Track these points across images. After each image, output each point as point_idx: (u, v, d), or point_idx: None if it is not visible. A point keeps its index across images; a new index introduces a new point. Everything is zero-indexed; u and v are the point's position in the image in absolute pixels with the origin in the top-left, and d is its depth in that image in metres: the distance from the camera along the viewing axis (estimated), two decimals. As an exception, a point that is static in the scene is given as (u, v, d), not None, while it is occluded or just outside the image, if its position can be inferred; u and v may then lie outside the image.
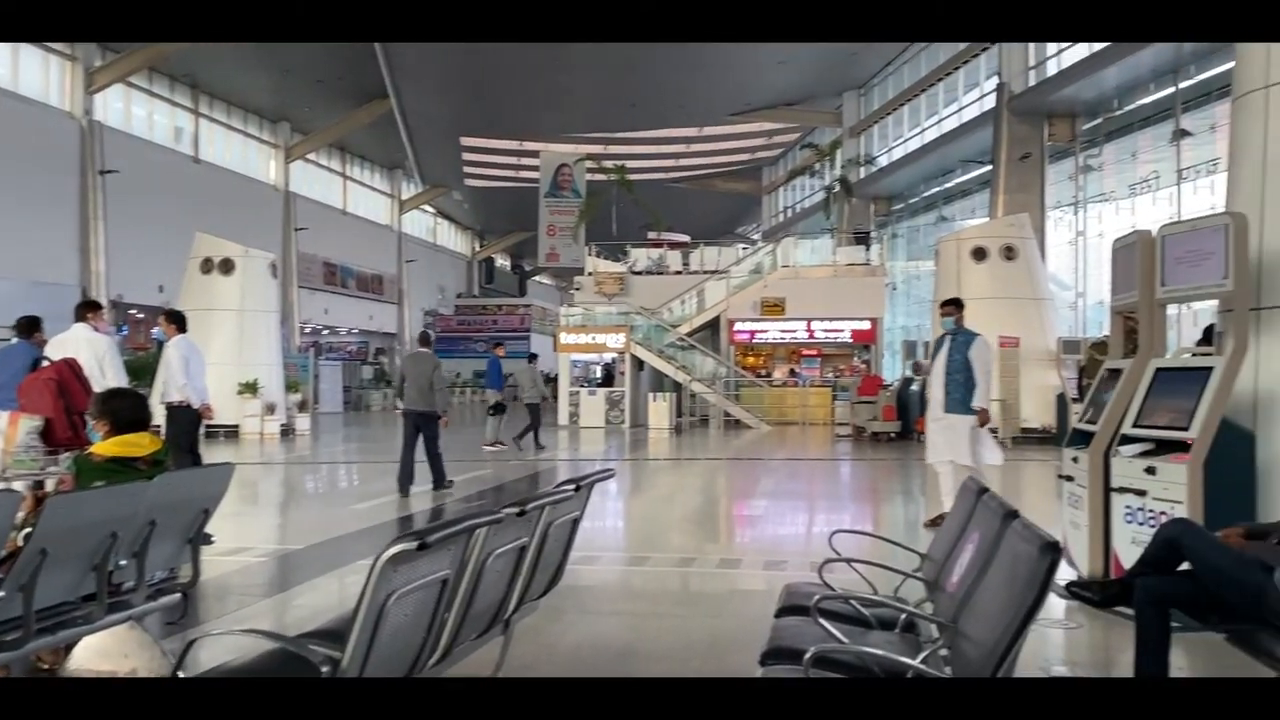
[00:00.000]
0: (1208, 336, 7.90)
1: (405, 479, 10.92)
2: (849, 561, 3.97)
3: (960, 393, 8.33)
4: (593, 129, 39.51)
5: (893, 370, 27.02)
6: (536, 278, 66.59)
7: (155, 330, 8.64)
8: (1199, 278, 5.62)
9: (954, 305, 8.70)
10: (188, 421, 8.60)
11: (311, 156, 41.21)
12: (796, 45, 30.79)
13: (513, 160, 44.25)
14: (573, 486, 3.89)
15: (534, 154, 40.25)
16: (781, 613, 3.64)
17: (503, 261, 65.62)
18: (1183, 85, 21.52)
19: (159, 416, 8.55)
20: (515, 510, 3.33)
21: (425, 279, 51.46)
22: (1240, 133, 6.28)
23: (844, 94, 38.23)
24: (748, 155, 47.02)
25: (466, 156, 43.65)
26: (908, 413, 19.01)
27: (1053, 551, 2.41)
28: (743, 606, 5.98)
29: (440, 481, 11.13)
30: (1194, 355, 6.41)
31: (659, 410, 23.02)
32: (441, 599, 3.01)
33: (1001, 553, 2.86)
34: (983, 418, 8.35)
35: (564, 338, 25.45)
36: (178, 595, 4.18)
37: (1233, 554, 3.73)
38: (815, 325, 26.94)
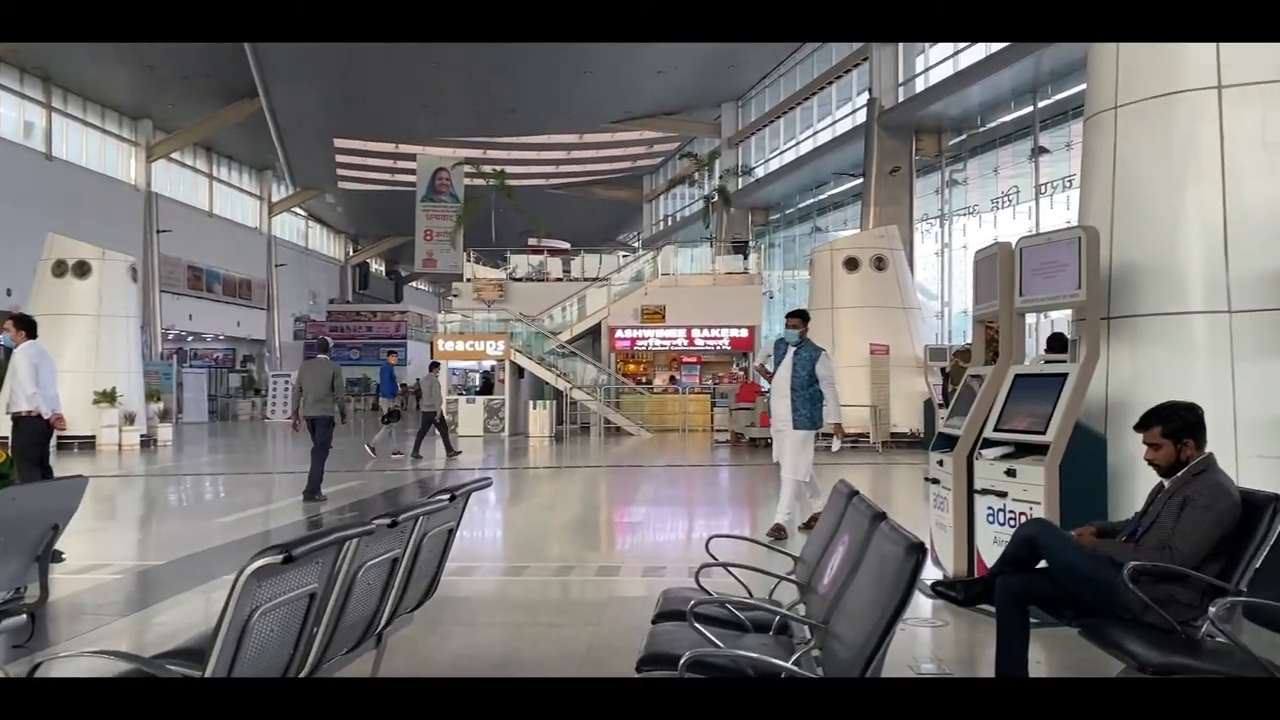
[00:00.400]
0: (1053, 344, 8.33)
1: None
2: (725, 566, 4.02)
3: (807, 408, 8.35)
4: (471, 133, 39.09)
5: (769, 377, 27.59)
6: (413, 283, 65.41)
7: (2, 336, 8.07)
8: (1054, 288, 5.90)
9: (800, 318, 8.59)
10: (37, 432, 8.10)
11: (175, 156, 39.47)
12: (677, 55, 31.18)
13: (388, 163, 43.40)
14: (447, 496, 3.82)
15: (410, 157, 39.57)
16: (658, 619, 3.65)
17: (378, 267, 64.23)
18: (1041, 105, 22.66)
19: (5, 427, 8.08)
20: (387, 521, 3.24)
21: (296, 284, 49.92)
22: (1092, 150, 6.63)
23: (722, 105, 38.88)
24: (628, 163, 47.30)
25: (340, 158, 42.59)
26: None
27: (917, 552, 2.48)
28: (621, 613, 5.98)
29: (314, 492, 11.00)
30: (1049, 362, 6.73)
31: (539, 418, 22.91)
32: (310, 613, 2.91)
33: (870, 554, 2.93)
34: (839, 431, 8.57)
35: (442, 345, 25.07)
36: (23, 616, 3.94)
37: (1085, 552, 3.93)
38: (695, 333, 27.26)
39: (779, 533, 8.21)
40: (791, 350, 8.42)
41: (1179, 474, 3.95)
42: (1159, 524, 3.88)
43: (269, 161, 44.05)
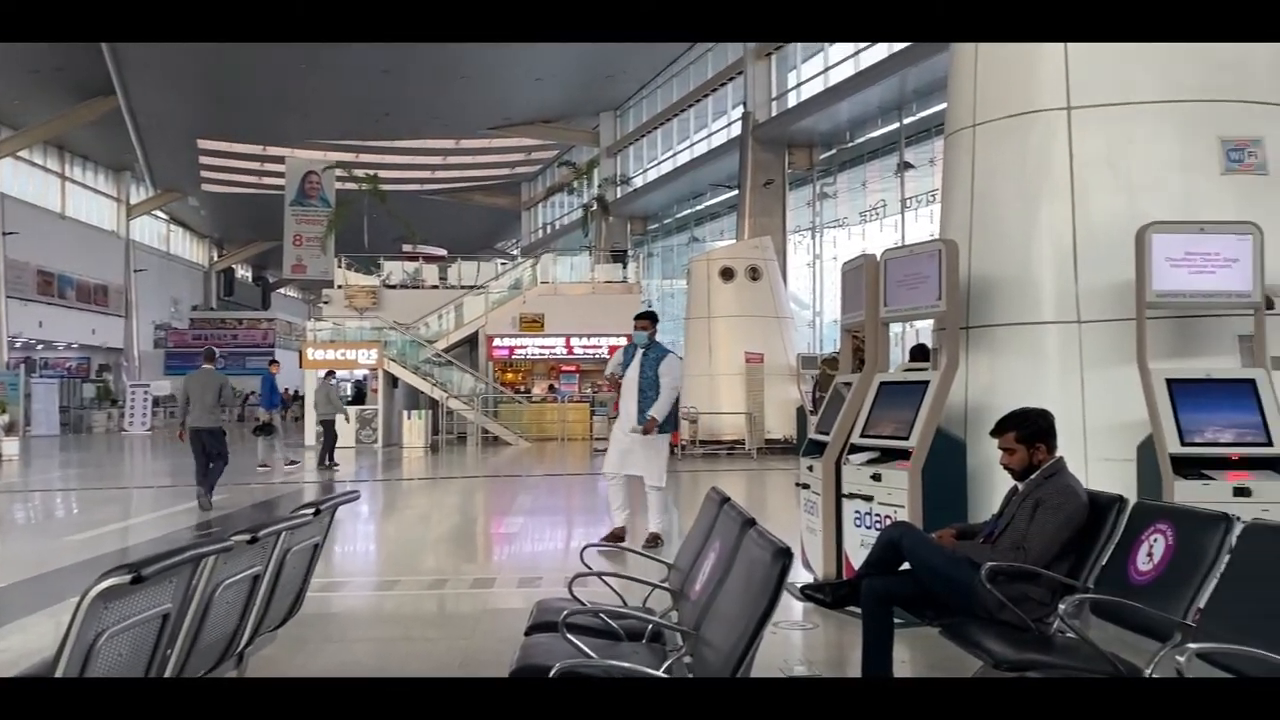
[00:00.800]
0: (916, 354, 8.64)
1: (204, 485, 11.09)
2: (599, 575, 4.01)
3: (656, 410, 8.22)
4: (343, 136, 38.19)
5: (648, 385, 27.80)
6: (282, 290, 63.40)
7: None
8: (917, 299, 6.12)
9: (648, 320, 8.48)
10: None
11: (24, 154, 37.28)
12: (555, 63, 31.18)
13: (255, 165, 41.99)
14: (312, 510, 3.70)
15: (279, 159, 38.31)
16: (531, 630, 3.61)
17: (244, 273, 62.04)
18: (906, 121, 23.55)
19: None
20: (247, 537, 3.12)
21: (157, 290, 47.74)
22: (952, 167, 6.90)
23: (601, 114, 39.04)
24: (507, 170, 47.00)
25: (204, 160, 41.00)
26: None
27: (784, 557, 2.52)
28: (495, 626, 5.90)
29: (209, 491, 11.06)
30: (912, 370, 6.97)
31: (414, 428, 22.46)
32: (163, 635, 2.77)
33: (739, 560, 2.97)
34: (649, 426, 8.13)
35: (311, 353, 24.31)
36: None
37: (945, 553, 4.07)
38: (574, 341, 27.22)
39: (654, 541, 8.18)
40: (640, 352, 8.33)
41: (1032, 477, 4.14)
42: (1013, 525, 4.05)
43: (127, 162, 42.05)
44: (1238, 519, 3.42)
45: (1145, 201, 5.75)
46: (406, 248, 32.09)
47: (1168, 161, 5.94)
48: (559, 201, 44.48)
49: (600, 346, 27.43)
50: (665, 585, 3.98)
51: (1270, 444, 5.07)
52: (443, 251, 31.94)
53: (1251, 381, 5.26)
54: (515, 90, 34.23)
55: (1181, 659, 2.68)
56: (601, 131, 39.46)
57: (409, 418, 22.73)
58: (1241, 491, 4.95)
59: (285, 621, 4.05)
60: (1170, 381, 5.28)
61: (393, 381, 24.43)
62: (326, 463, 17.09)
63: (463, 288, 27.90)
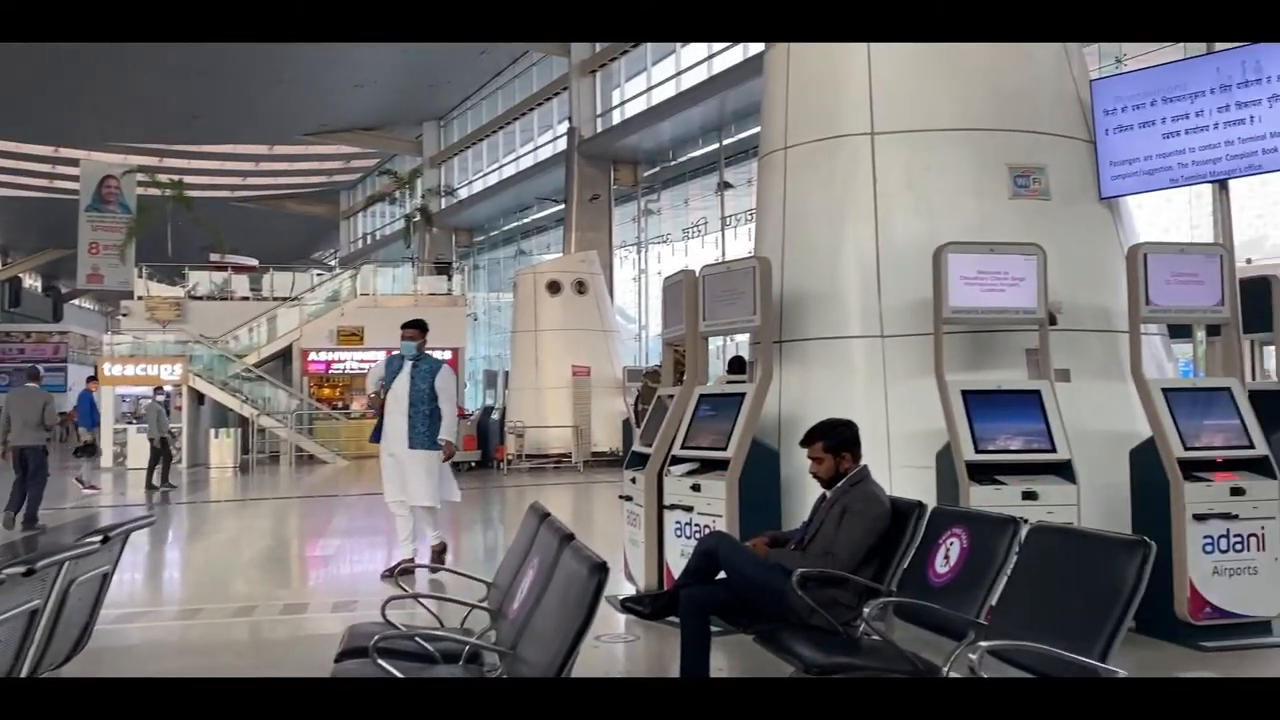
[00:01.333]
0: (733, 366, 8.89)
1: (13, 506, 10.88)
2: (415, 597, 3.90)
3: (425, 425, 7.65)
4: (147, 139, 36.01)
5: (475, 400, 27.38)
6: (75, 301, 59.06)
7: None
8: (733, 314, 6.29)
9: (417, 328, 7.86)
10: None
11: None
12: (376, 69, 30.45)
13: (46, 168, 39.04)
14: (99, 538, 3.44)
15: (74, 162, 35.75)
16: (342, 656, 3.47)
17: (33, 282, 57.44)
18: (726, 142, 24.26)
19: None
20: (21, 570, 2.86)
21: (-70, 300, 43.64)
22: (765, 187, 7.14)
23: (424, 123, 38.36)
24: (324, 178, 45.48)
25: (-13, 160, 37.82)
26: (488, 441, 19.31)
27: (600, 572, 2.52)
28: (308, 653, 5.64)
29: (32, 520, 10.72)
30: (730, 383, 7.15)
31: (222, 447, 21.29)
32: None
33: (558, 576, 2.94)
34: (448, 450, 7.81)
35: (109, 369, 22.72)
36: None
37: (758, 561, 4.18)
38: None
39: (442, 550, 7.86)
40: (409, 364, 7.75)
41: (839, 484, 4.31)
42: (822, 532, 4.20)
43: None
44: (1025, 521, 3.66)
45: (942, 223, 6.11)
46: (215, 257, 30.51)
47: (962, 186, 6.34)
48: (380, 211, 43.34)
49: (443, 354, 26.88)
50: (484, 605, 3.91)
51: (1054, 450, 5.47)
52: (254, 261, 30.56)
53: (1037, 392, 5.67)
54: (335, 96, 33.20)
55: (974, 656, 2.83)
56: (425, 141, 38.77)
57: (216, 436, 21.55)
58: (1029, 495, 5.32)
59: (71, 657, 3.76)
60: (965, 393, 5.62)
61: (198, 399, 23.12)
62: (159, 484, 16.01)
63: (276, 299, 26.72)
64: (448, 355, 26.61)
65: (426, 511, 7.87)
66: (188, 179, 34.21)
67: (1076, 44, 7.07)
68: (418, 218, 33.82)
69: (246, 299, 26.94)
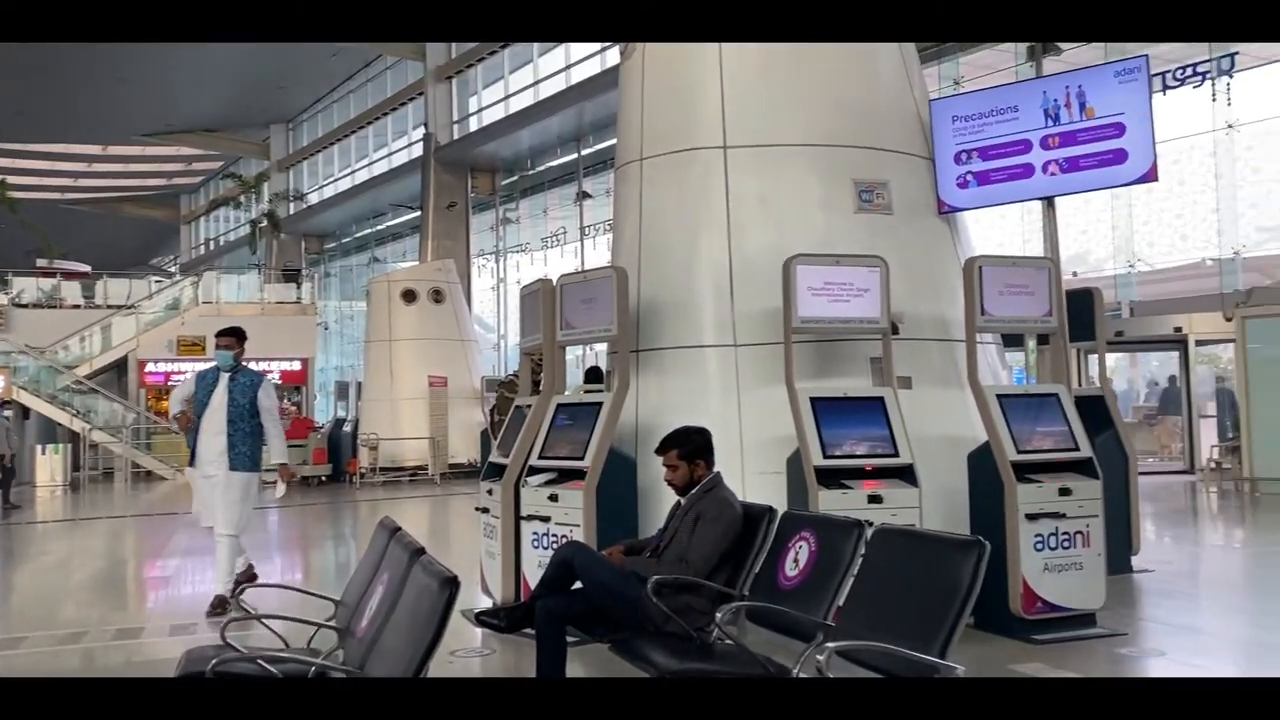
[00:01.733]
0: (591, 376, 8.92)
1: None
2: (258, 618, 3.74)
3: (248, 445, 6.91)
4: (-36, 135, 33.58)
5: (325, 412, 26.58)
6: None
7: None
8: (591, 323, 6.30)
9: (234, 336, 7.07)
10: None
11: None
12: (222, 69, 29.23)
13: None
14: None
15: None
16: (177, 683, 3.28)
17: None
18: (585, 152, 24.33)
19: None
20: None
21: None
22: (622, 197, 7.19)
23: (272, 126, 37.06)
24: (164, 180, 43.35)
25: None
26: (340, 454, 18.75)
27: (451, 586, 2.47)
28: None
29: None
30: (588, 392, 7.16)
31: (50, 464, 19.97)
32: None
33: (408, 591, 2.87)
34: (285, 474, 7.32)
35: (-80, 381, 21.01)
36: None
37: (614, 569, 4.19)
38: (241, 365, 25.47)
39: (221, 606, 6.77)
40: (226, 377, 6.96)
41: (693, 491, 4.36)
42: (677, 539, 4.24)
43: None
44: (870, 524, 3.78)
45: (791, 235, 6.29)
46: (42, 262, 28.65)
47: (810, 200, 6.54)
48: (225, 216, 41.61)
49: (271, 371, 25.91)
50: (331, 624, 3.78)
51: (897, 455, 5.68)
52: (86, 267, 28.84)
53: (881, 399, 5.88)
54: (176, 95, 31.72)
55: (822, 658, 2.90)
56: (272, 144, 37.46)
57: (43, 453, 20.19)
58: (875, 499, 5.51)
59: None
60: (814, 400, 5.78)
61: (23, 413, 21.61)
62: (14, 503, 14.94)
63: (111, 307, 25.27)
64: (297, 366, 25.90)
65: (227, 544, 6.95)
66: (10, 179, 31.97)
67: (918, 65, 7.40)
68: (264, 223, 32.60)
69: (78, 307, 25.38)
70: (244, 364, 7.17)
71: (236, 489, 6.90)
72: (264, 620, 3.77)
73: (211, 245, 44.21)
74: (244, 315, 25.46)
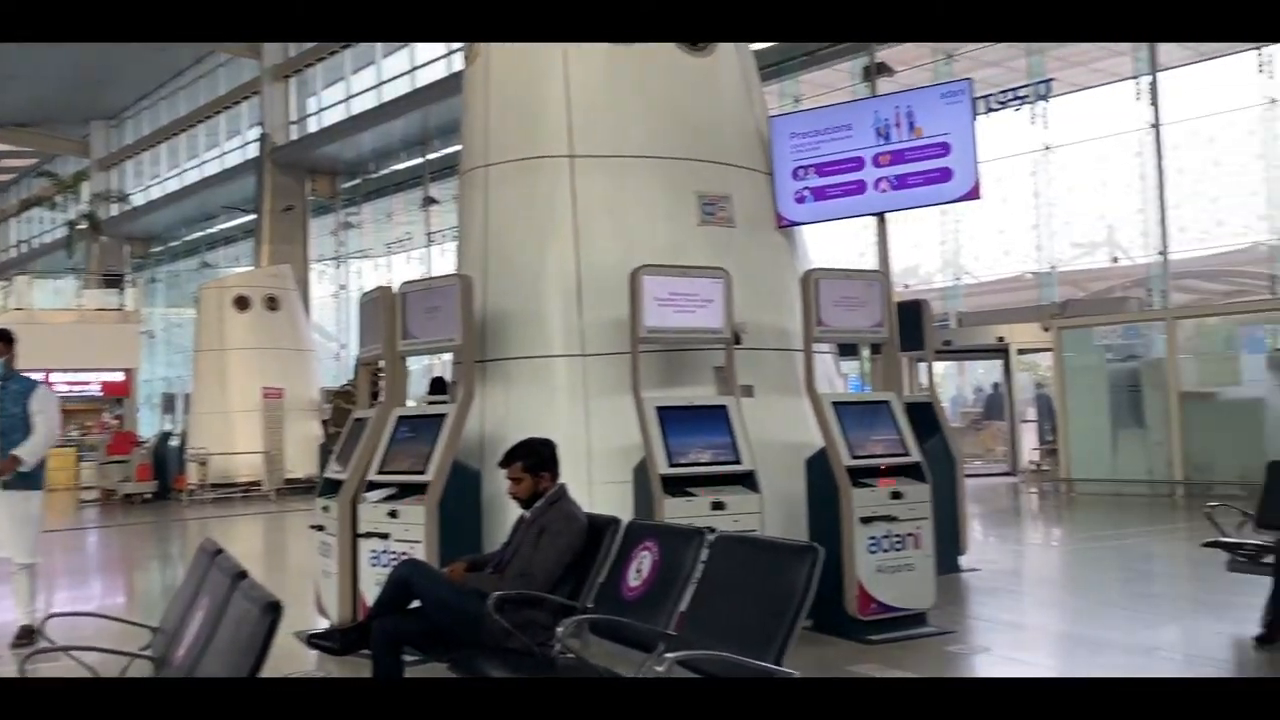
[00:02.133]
0: (434, 387, 8.73)
1: None
2: (64, 650, 3.46)
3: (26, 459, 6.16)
4: None
5: (150, 425, 25.13)
6: None
7: None
8: (435, 332, 6.15)
9: (2, 340, 6.37)
10: None
11: None
12: (36, 62, 27.30)
13: None
14: None
15: None
16: (-33, 727, 2.99)
17: None
18: (431, 156, 23.88)
19: None
20: None
21: None
22: (467, 204, 7.07)
23: (92, 123, 34.84)
24: (-32, 178, 40.19)
25: None
26: (166, 470, 17.74)
27: (273, 611, 2.33)
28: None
29: None
30: (431, 404, 6.99)
31: None
32: None
33: (228, 617, 2.71)
34: (9, 465, 6.11)
35: None
36: None
37: (453, 587, 4.09)
38: (56, 377, 23.69)
39: (28, 636, 6.07)
40: None
41: (537, 504, 4.30)
42: (520, 553, 4.17)
43: None
44: (711, 531, 3.81)
45: (638, 246, 6.31)
46: None
47: (655, 211, 6.59)
48: (38, 217, 38.85)
49: (90, 383, 24.37)
50: (147, 653, 3.53)
51: (739, 462, 5.77)
52: None
53: (724, 407, 5.97)
54: (-17, 86, 29.44)
55: (661, 668, 2.89)
56: (92, 142, 35.21)
57: None
58: (718, 505, 5.58)
59: None
60: (660, 409, 5.81)
61: None
62: None
63: (-98, 314, 23.24)
64: (119, 377, 24.39)
65: (26, 574, 6.25)
66: None
67: (759, 81, 7.57)
68: (83, 225, 30.61)
69: None
70: (15, 371, 6.43)
71: (18, 509, 6.17)
72: (72, 653, 3.48)
73: (23, 248, 41.20)
74: (60, 323, 23.91)
